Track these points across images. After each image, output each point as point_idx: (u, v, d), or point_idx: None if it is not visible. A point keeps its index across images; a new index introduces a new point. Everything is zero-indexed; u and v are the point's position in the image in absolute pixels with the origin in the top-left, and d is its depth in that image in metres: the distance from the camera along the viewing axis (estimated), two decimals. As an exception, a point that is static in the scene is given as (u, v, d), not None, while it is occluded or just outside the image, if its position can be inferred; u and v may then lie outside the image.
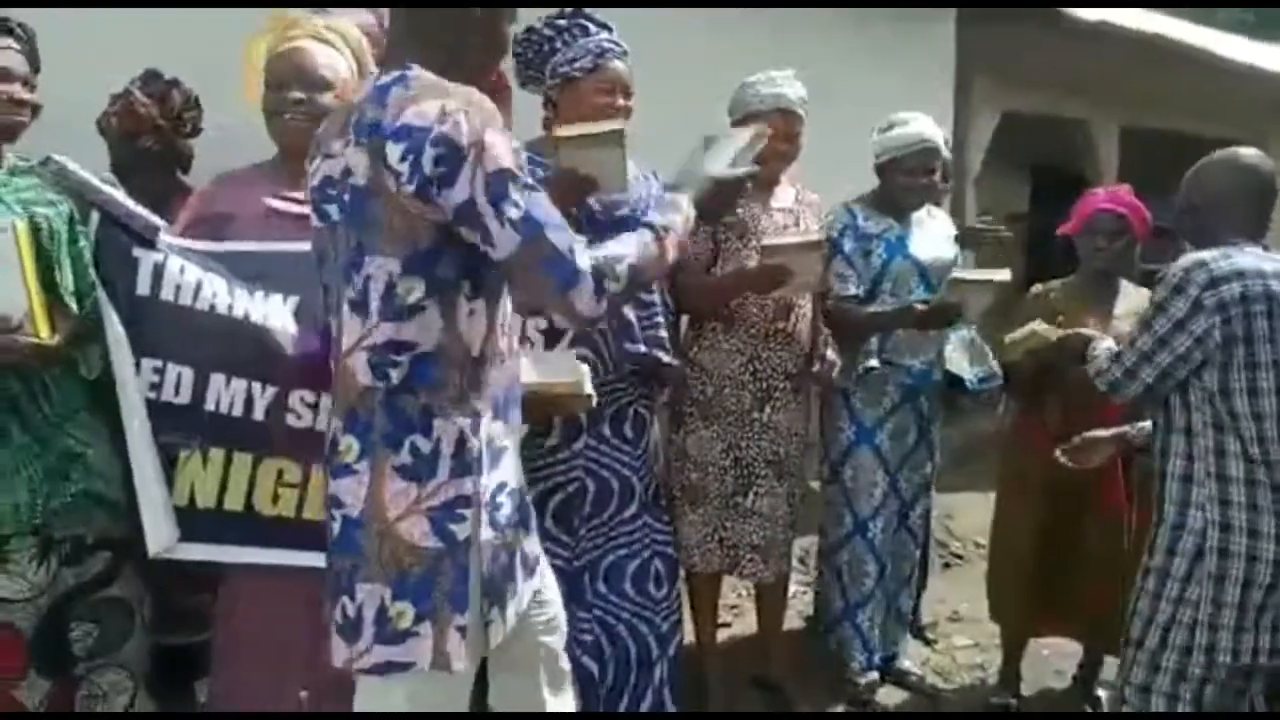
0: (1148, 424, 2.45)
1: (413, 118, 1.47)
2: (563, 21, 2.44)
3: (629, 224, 2.35)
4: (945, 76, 5.82)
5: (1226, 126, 7.03)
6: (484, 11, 1.62)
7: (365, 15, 2.72)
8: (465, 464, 1.57)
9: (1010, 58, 5.94)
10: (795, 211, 2.95)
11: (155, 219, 2.03)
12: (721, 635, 3.22)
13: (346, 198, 1.54)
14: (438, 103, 1.48)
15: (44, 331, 2.00)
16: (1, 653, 2.07)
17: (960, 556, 4.52)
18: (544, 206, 1.52)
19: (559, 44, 2.43)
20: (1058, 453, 2.63)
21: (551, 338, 2.38)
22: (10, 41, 2.08)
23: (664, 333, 2.59)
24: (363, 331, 1.55)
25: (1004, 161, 6.74)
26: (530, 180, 1.53)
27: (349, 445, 1.57)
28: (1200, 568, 2.16)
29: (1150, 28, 7.01)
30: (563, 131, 2.23)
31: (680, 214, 1.71)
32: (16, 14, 2.13)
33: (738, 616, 3.72)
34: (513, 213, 1.49)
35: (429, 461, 1.55)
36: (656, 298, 2.59)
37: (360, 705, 1.65)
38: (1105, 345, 2.42)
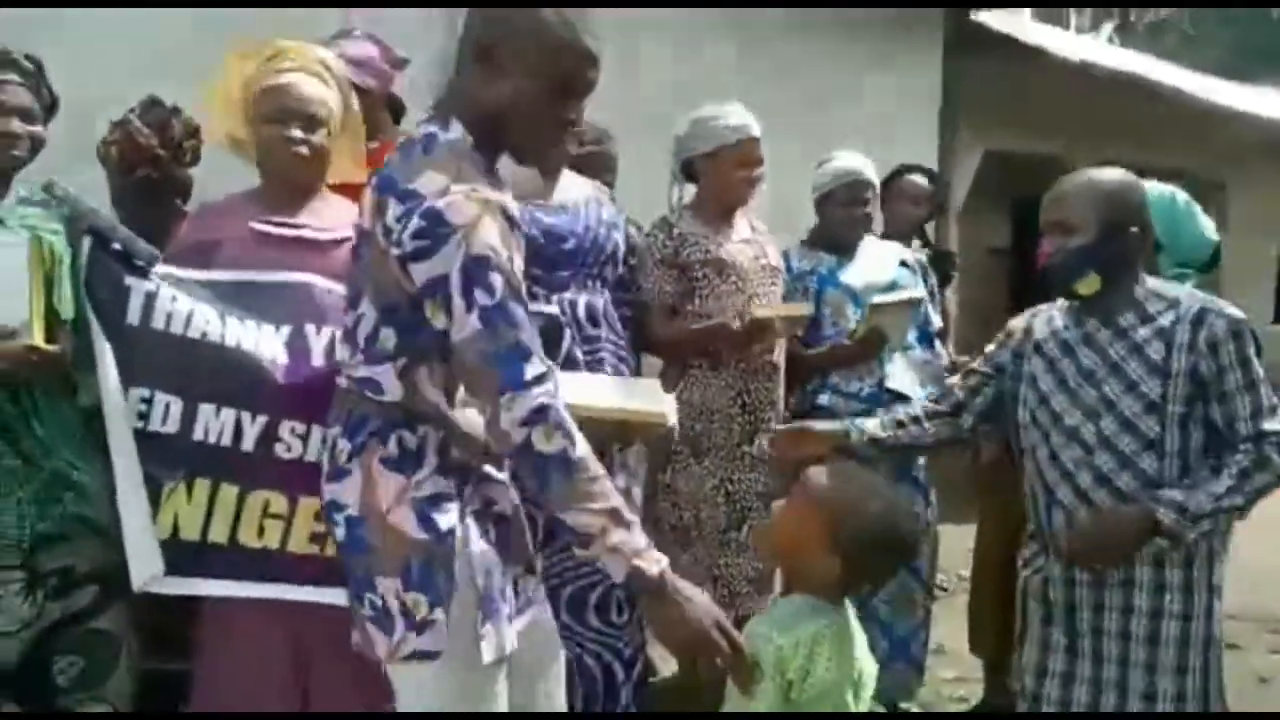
0: (867, 422, 2.29)
1: (420, 184, 1.52)
2: None
3: (571, 256, 2.46)
4: (930, 116, 5.88)
5: (1202, 163, 7.15)
6: (543, 94, 1.58)
7: (367, 46, 2.73)
8: (446, 466, 1.66)
9: (993, 97, 6.04)
10: (758, 241, 2.99)
11: (153, 249, 2.03)
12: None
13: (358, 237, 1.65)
14: (445, 178, 1.52)
15: (40, 340, 1.97)
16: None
17: (944, 589, 4.54)
18: (522, 312, 1.53)
19: None
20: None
21: None
22: (12, 75, 2.06)
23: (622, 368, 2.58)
24: (351, 363, 1.68)
25: (987, 196, 6.83)
26: (521, 290, 1.55)
27: (343, 448, 1.67)
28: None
29: (1130, 67, 7.17)
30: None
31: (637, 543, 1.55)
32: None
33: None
34: (484, 300, 1.49)
35: (414, 456, 1.64)
36: (603, 331, 2.54)
37: (402, 697, 1.70)
38: (1193, 498, 1.94)
